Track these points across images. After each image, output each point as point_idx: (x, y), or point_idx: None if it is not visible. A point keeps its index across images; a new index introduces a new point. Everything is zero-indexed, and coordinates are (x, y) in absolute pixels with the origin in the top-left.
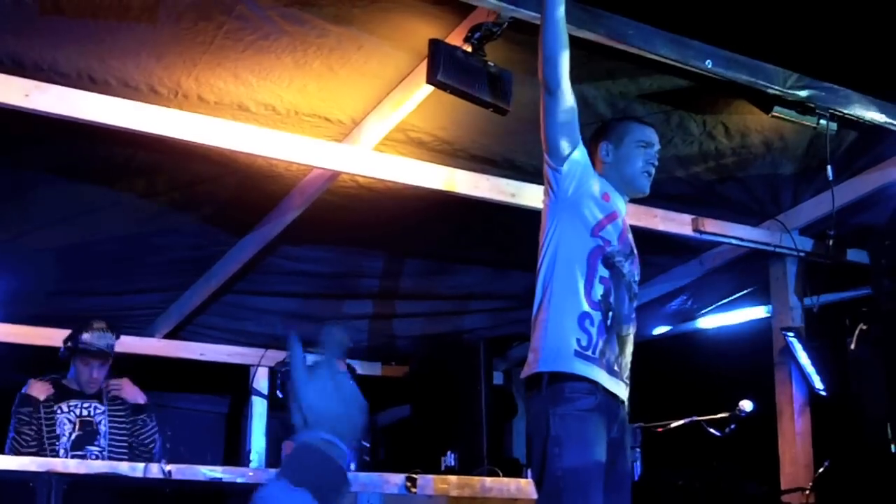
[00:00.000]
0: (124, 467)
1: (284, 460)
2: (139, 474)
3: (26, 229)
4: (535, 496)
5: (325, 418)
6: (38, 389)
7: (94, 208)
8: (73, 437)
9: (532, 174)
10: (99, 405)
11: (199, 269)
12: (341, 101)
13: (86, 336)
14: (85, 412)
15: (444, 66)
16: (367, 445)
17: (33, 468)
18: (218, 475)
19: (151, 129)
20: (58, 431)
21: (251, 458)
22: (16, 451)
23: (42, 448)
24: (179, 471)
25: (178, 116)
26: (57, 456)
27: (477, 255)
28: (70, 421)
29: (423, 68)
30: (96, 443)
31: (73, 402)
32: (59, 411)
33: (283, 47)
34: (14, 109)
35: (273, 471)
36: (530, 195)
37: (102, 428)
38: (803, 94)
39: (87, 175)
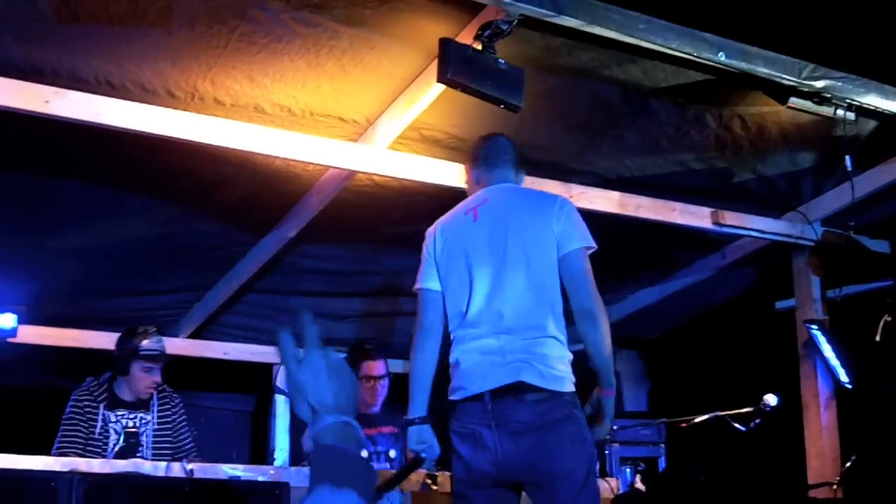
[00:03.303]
0: (147, 467)
1: (312, 468)
2: (161, 473)
3: (50, 232)
4: None
5: (329, 399)
6: (94, 392)
7: (115, 211)
8: (117, 447)
9: (546, 169)
10: (145, 416)
11: (221, 269)
12: (355, 101)
13: (146, 343)
14: (131, 423)
15: (454, 64)
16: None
17: (57, 467)
18: (239, 474)
19: (170, 133)
20: (105, 437)
21: (275, 455)
22: (63, 451)
23: (86, 450)
24: (201, 469)
25: (195, 119)
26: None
27: None
28: (117, 432)
29: (434, 67)
30: (139, 453)
31: (120, 412)
32: (109, 419)
33: (296, 49)
34: (35, 116)
35: (294, 469)
36: (545, 190)
37: (145, 439)
38: (819, 84)
39: (109, 178)
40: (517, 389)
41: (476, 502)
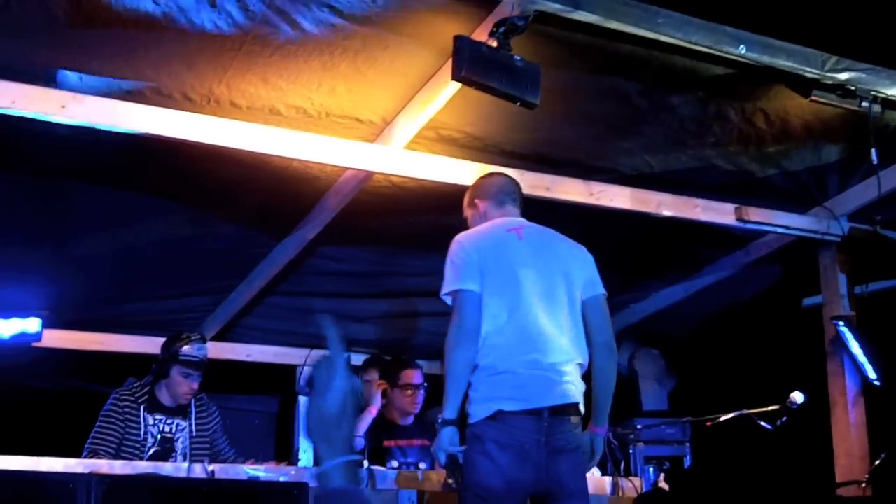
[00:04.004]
0: (168, 468)
1: None
2: (183, 474)
3: (72, 236)
4: None
5: (345, 433)
6: (135, 393)
7: (136, 215)
8: (151, 451)
9: (565, 167)
10: (182, 422)
11: (242, 272)
12: (371, 101)
13: (187, 348)
14: (167, 429)
15: (469, 62)
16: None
17: (79, 469)
18: (260, 474)
19: (187, 136)
20: (142, 441)
21: (299, 457)
22: (94, 449)
23: (121, 451)
24: (223, 470)
25: (212, 122)
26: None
27: None
28: (153, 436)
29: (449, 65)
30: (172, 459)
31: (158, 416)
32: (148, 422)
33: (310, 51)
34: (52, 121)
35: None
36: (566, 189)
37: (179, 445)
38: (843, 76)
39: (129, 182)
40: (569, 411)
41: None
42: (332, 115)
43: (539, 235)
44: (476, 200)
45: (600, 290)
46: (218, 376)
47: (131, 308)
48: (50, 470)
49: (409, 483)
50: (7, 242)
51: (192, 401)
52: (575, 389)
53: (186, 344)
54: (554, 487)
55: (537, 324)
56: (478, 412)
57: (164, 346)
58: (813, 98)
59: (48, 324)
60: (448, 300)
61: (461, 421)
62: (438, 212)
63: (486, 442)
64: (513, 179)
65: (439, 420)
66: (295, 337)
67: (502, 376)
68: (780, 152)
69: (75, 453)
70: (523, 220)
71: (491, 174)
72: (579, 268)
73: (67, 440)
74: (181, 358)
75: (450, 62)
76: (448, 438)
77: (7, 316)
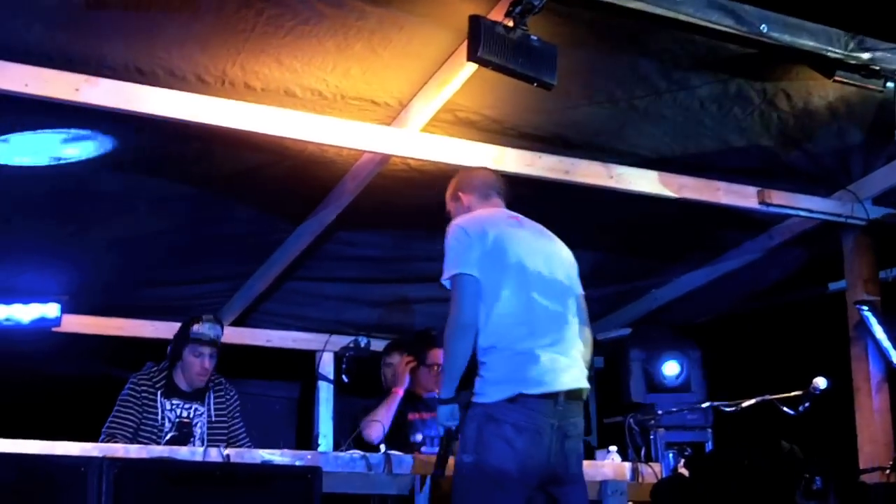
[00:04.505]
0: (184, 452)
1: None
2: (198, 459)
3: (90, 222)
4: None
5: None
6: (153, 377)
7: (153, 199)
8: (168, 436)
9: (585, 149)
10: (200, 407)
11: (260, 258)
12: (386, 83)
13: (196, 327)
14: (185, 413)
15: (484, 42)
16: None
17: (95, 453)
18: (275, 459)
19: (201, 119)
20: (159, 425)
21: (319, 441)
22: (112, 433)
23: (138, 435)
24: (238, 455)
25: (226, 105)
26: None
27: None
28: (170, 420)
29: (465, 46)
30: (190, 444)
31: (176, 401)
32: (165, 406)
33: (324, 31)
34: (65, 104)
35: (333, 454)
36: (585, 172)
37: (198, 430)
38: (866, 56)
39: (145, 166)
40: (580, 395)
41: (516, 499)
42: (348, 97)
43: (536, 227)
44: (459, 193)
45: (581, 289)
46: (238, 362)
47: (150, 293)
48: (65, 454)
49: (425, 468)
50: (27, 228)
51: (211, 385)
52: (584, 375)
53: (197, 323)
54: (561, 472)
55: (550, 308)
56: (494, 393)
57: (178, 330)
58: (836, 79)
59: (67, 309)
60: (448, 284)
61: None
62: None
63: (503, 425)
64: (496, 173)
65: (438, 397)
66: (314, 322)
67: (521, 358)
68: (802, 134)
69: (94, 439)
70: (511, 213)
71: (473, 168)
72: (571, 264)
73: (86, 425)
74: (192, 337)
75: (466, 43)
76: (448, 413)
77: (27, 301)
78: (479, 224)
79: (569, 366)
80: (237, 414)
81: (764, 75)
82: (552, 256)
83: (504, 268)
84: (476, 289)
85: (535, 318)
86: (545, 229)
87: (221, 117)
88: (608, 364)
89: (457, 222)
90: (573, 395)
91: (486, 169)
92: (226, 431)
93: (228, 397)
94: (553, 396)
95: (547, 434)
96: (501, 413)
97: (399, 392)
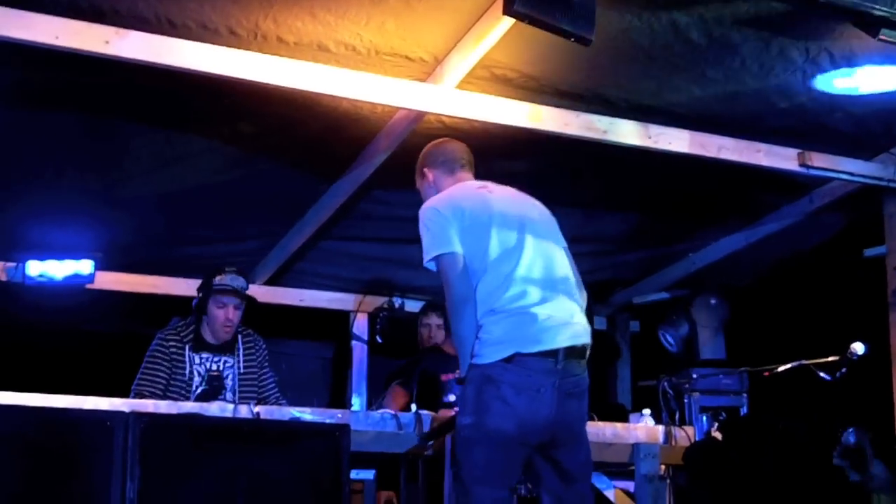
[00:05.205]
0: (214, 409)
1: None
2: (229, 415)
3: (121, 178)
4: (631, 441)
5: None
6: (180, 332)
7: (184, 155)
8: (198, 391)
9: (624, 109)
10: (229, 359)
11: (294, 216)
12: (421, 38)
13: (219, 278)
14: (214, 366)
15: None
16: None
17: (124, 409)
18: (305, 416)
19: (233, 73)
20: (188, 380)
21: (352, 401)
22: (140, 390)
23: (168, 391)
24: (268, 412)
25: (259, 59)
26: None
27: (567, 197)
28: (200, 374)
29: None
30: (221, 398)
31: (205, 355)
32: (194, 361)
33: None
34: (96, 57)
35: (364, 413)
36: (623, 131)
37: (229, 383)
38: None
39: (176, 121)
40: (582, 353)
41: (515, 459)
42: (382, 52)
43: (507, 190)
44: (425, 170)
45: (565, 243)
46: (272, 321)
47: (184, 251)
48: (94, 408)
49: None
50: (60, 184)
51: (240, 337)
52: (584, 330)
53: (220, 275)
54: (561, 433)
55: (537, 266)
56: (491, 353)
57: (201, 283)
58: (881, 37)
59: (101, 266)
60: (432, 267)
61: None
62: (492, 154)
63: (501, 385)
64: (462, 145)
65: (458, 376)
66: (348, 283)
67: (516, 318)
68: (845, 96)
69: (126, 396)
70: (485, 181)
71: (439, 141)
72: (549, 220)
73: (120, 382)
74: (215, 287)
75: None
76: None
77: (61, 257)
78: (450, 200)
79: (566, 322)
80: (266, 364)
81: (807, 34)
82: (529, 215)
83: (485, 237)
84: (461, 262)
85: (525, 278)
86: (517, 191)
87: (254, 72)
88: (644, 328)
89: (427, 204)
90: (573, 352)
91: (450, 141)
92: (256, 382)
93: (258, 348)
94: (552, 354)
95: (547, 393)
96: (499, 373)
97: (399, 391)
